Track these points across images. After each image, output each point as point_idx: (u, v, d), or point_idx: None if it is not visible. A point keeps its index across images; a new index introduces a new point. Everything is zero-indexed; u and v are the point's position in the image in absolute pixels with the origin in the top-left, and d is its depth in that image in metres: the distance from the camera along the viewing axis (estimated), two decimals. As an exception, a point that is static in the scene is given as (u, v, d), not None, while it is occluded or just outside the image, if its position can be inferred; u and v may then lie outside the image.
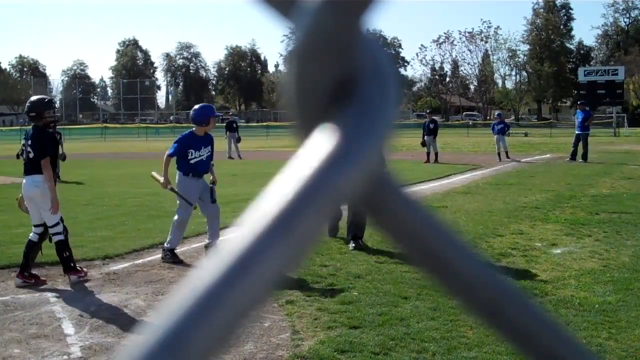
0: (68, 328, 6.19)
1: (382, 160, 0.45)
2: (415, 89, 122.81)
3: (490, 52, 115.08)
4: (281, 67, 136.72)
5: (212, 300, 0.38)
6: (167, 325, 0.37)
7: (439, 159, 26.47)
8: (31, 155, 7.65)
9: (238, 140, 31.40)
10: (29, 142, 7.75)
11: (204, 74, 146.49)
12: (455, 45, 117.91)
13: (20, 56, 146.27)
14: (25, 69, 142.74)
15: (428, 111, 32.69)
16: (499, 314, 0.50)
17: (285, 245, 0.41)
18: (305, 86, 0.45)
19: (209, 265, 0.39)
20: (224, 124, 32.67)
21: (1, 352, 5.58)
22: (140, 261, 8.80)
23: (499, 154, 27.55)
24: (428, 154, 26.54)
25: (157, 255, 9.10)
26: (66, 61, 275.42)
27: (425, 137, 26.81)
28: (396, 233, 0.49)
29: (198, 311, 0.38)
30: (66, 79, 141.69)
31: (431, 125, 27.04)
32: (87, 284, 7.70)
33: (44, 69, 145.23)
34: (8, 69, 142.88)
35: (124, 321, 6.34)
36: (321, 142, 0.44)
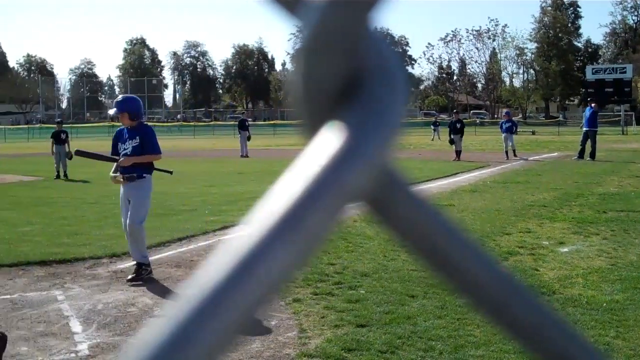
0: (75, 326, 6.21)
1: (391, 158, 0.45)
2: (422, 87, 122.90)
3: (497, 50, 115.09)
4: (288, 66, 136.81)
5: (218, 298, 0.38)
6: (173, 323, 0.37)
7: (461, 157, 26.64)
8: None
9: (248, 138, 31.64)
10: None
11: (211, 72, 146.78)
12: (463, 43, 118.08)
13: (28, 55, 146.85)
14: (32, 68, 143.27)
15: (455, 111, 33.10)
16: (507, 313, 0.50)
17: (293, 243, 0.40)
18: (313, 84, 0.44)
19: (216, 264, 0.39)
20: (237, 122, 33.04)
21: (9, 350, 5.58)
22: (147, 259, 8.80)
23: (506, 152, 27.56)
24: (457, 152, 26.85)
25: (165, 254, 9.13)
26: (74, 60, 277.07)
27: (452, 135, 27.39)
28: (403, 231, 0.48)
29: (205, 310, 0.38)
30: (74, 77, 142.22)
31: (458, 125, 27.52)
32: (94, 282, 7.71)
33: (52, 68, 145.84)
34: (16, 68, 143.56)
35: (131, 319, 6.36)
36: (328, 140, 0.43)
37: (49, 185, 19.20)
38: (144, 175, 7.98)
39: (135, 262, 7.91)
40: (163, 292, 7.28)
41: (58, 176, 21.12)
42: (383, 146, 0.44)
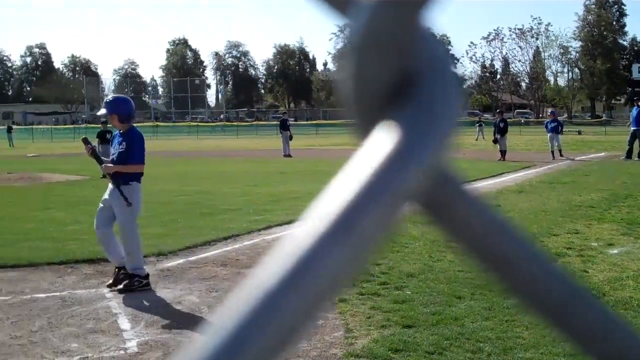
0: (124, 323, 6.29)
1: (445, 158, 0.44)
2: (465, 86, 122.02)
3: (541, 49, 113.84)
4: (330, 66, 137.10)
5: (272, 301, 0.38)
6: (227, 327, 0.37)
7: (506, 157, 26.40)
8: None
9: (290, 138, 31.79)
10: None
11: (253, 72, 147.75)
12: (506, 42, 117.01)
13: (73, 56, 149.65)
14: (77, 69, 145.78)
15: (499, 110, 32.65)
16: (568, 315, 0.49)
17: (348, 245, 0.40)
18: (363, 84, 0.44)
19: (269, 266, 0.39)
20: (279, 122, 33.48)
21: (60, 346, 5.69)
22: (193, 258, 8.89)
23: (552, 152, 27.25)
24: (501, 151, 26.64)
25: (210, 253, 9.19)
26: (117, 60, 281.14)
27: (497, 135, 27.20)
28: (458, 231, 0.47)
29: (258, 313, 0.38)
30: (118, 78, 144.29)
31: (501, 124, 27.28)
32: (141, 281, 7.79)
33: (96, 69, 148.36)
34: (61, 69, 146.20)
35: (178, 317, 6.42)
36: (381, 141, 0.43)
37: (96, 185, 19.43)
38: (130, 182, 7.49)
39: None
40: (209, 290, 7.33)
41: (104, 175, 21.35)
42: (437, 146, 0.43)
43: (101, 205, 7.61)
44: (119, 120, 7.57)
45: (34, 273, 8.19)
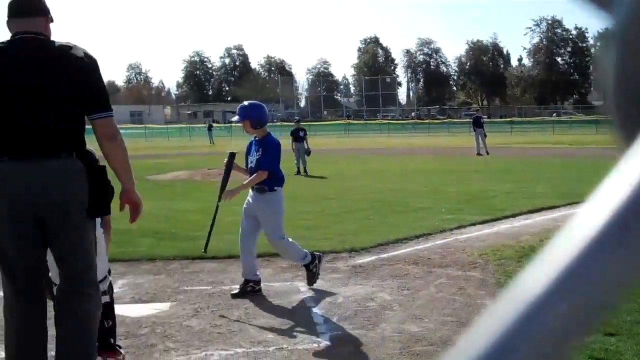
0: (317, 317, 6.43)
1: None
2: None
3: None
4: (525, 61, 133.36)
5: (540, 312, 0.36)
6: (491, 334, 0.34)
7: None
8: None
9: (484, 135, 31.41)
10: None
11: (445, 69, 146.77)
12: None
13: (268, 56, 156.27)
14: (272, 69, 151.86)
15: None
16: None
17: (626, 255, 0.37)
18: (630, 79, 0.40)
19: (534, 273, 0.36)
20: (471, 120, 33.46)
21: (256, 336, 5.91)
22: (385, 255, 8.95)
23: None
24: None
25: (401, 250, 9.21)
26: (310, 60, 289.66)
27: None
28: None
29: (526, 322, 0.35)
30: (311, 77, 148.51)
31: None
32: (334, 275, 7.95)
33: (290, 68, 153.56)
34: (257, 69, 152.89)
35: (370, 314, 6.47)
36: None
37: (290, 181, 20.09)
38: (275, 188, 7.51)
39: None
40: (401, 288, 7.34)
41: (298, 172, 22.07)
42: None
43: (245, 213, 7.70)
44: (251, 126, 7.47)
45: (232, 265, 8.54)
